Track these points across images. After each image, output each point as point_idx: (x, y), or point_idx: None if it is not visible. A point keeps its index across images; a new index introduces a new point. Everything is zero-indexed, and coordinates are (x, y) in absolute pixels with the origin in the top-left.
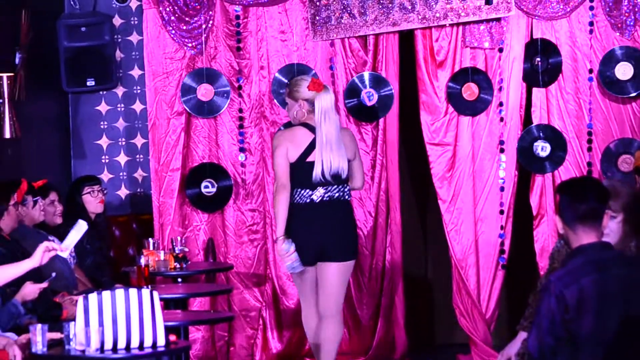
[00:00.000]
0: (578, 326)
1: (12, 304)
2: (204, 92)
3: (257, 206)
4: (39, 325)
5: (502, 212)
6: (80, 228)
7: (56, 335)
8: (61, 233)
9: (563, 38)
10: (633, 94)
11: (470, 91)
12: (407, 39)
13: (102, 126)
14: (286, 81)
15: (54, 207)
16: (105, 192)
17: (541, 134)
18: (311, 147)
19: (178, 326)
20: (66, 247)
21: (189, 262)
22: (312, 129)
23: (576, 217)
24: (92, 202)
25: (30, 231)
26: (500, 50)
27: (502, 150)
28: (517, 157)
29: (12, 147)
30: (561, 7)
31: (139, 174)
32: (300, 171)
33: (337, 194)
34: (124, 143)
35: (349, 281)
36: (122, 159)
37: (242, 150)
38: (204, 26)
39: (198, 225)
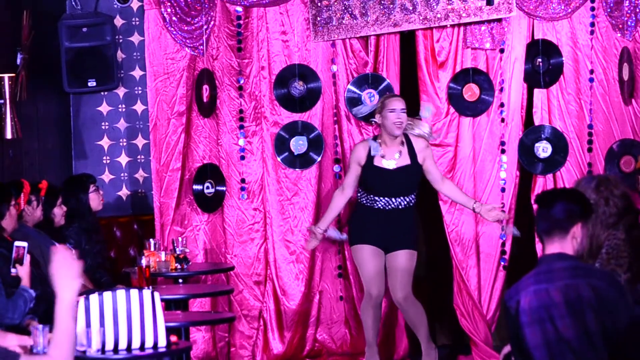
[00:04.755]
0: (523, 336)
1: (21, 289)
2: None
3: (258, 205)
4: (40, 326)
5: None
6: None
7: None
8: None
9: (564, 39)
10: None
11: (471, 92)
12: (408, 40)
13: (103, 127)
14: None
15: (61, 209)
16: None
17: (542, 135)
18: None
19: (179, 327)
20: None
21: (190, 263)
22: None
23: (541, 229)
24: (96, 199)
25: (31, 232)
26: (502, 51)
27: (503, 151)
28: (518, 158)
29: (14, 148)
30: (562, 7)
31: (140, 174)
32: None
33: None
34: (125, 144)
35: (350, 281)
36: (123, 159)
37: (242, 150)
38: (205, 27)
39: (198, 225)
